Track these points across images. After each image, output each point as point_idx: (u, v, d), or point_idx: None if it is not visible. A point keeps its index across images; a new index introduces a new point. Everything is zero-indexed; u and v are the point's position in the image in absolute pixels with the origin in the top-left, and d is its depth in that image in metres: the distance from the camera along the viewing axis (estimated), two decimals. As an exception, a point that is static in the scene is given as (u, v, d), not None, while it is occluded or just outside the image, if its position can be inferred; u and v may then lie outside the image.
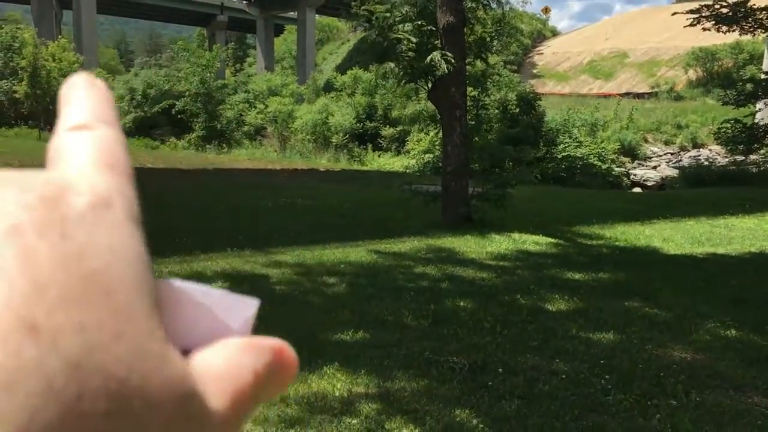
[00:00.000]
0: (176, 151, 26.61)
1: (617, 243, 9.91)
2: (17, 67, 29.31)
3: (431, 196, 10.91)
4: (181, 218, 10.05)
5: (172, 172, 17.81)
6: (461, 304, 5.91)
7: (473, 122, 10.88)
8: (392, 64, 9.95)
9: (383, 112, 36.86)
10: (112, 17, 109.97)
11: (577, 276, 7.22)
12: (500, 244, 9.11)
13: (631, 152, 31.40)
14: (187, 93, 29.99)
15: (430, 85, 10.39)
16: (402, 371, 4.21)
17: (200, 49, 33.66)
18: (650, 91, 41.97)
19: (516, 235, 9.78)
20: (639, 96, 40.86)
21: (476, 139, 25.22)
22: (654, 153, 32.25)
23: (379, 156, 33.64)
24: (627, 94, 41.55)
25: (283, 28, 78.69)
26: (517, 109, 25.49)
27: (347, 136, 33.91)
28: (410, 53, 9.75)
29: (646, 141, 33.17)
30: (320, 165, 24.16)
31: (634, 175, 30.32)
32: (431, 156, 25.76)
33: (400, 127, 35.22)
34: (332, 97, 39.18)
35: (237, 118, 33.44)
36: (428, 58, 9.67)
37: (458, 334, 5.04)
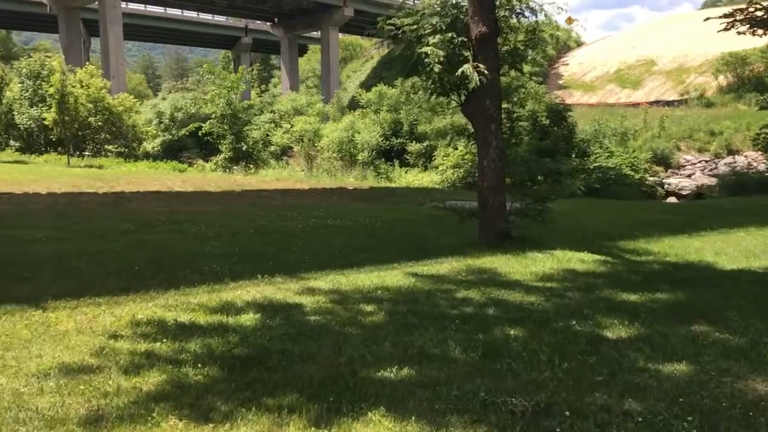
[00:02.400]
0: (204, 174, 26.52)
1: (667, 258, 9.34)
2: (46, 95, 29.55)
3: (468, 213, 10.46)
4: (209, 243, 9.73)
5: (200, 195, 17.58)
6: (512, 332, 5.43)
7: (506, 135, 10.41)
8: (420, 79, 9.54)
9: (409, 127, 36.56)
10: (140, 43, 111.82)
11: (632, 297, 6.69)
12: (544, 263, 8.61)
13: (663, 161, 30.68)
14: (213, 115, 29.97)
15: (463, 98, 9.98)
16: (456, 416, 3.75)
17: (225, 71, 33.68)
18: (680, 98, 41.14)
19: (559, 253, 9.26)
20: (668, 104, 40.08)
21: (508, 152, 24.70)
22: (687, 161, 31.39)
23: (406, 172, 33.31)
24: (656, 102, 40.82)
25: (306, 48, 79.19)
26: (547, 121, 24.96)
27: (373, 153, 33.64)
28: (438, 66, 9.33)
29: (678, 149, 32.36)
30: (348, 183, 23.83)
31: (668, 184, 29.62)
32: (461, 171, 25.33)
33: (426, 143, 34.88)
34: (358, 115, 38.97)
35: (263, 138, 33.35)
36: (459, 71, 9.26)
37: (513, 369, 4.56)
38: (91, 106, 30.13)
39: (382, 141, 34.32)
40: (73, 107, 27.94)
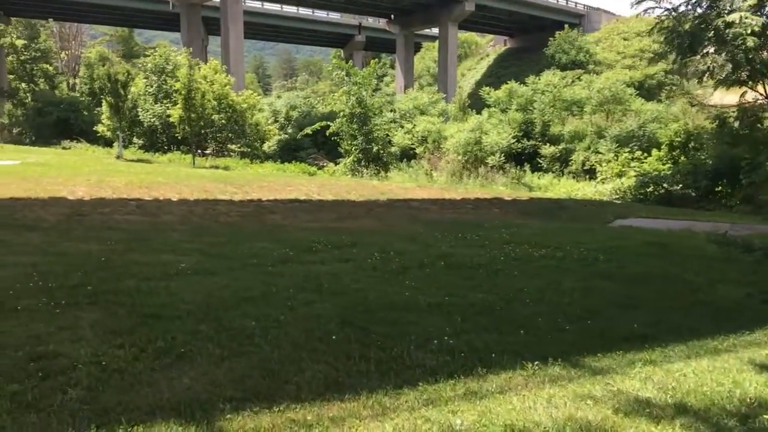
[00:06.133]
0: (336, 178, 24.30)
1: None
2: (171, 90, 28.29)
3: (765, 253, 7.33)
4: (399, 283, 7.12)
5: (344, 204, 15.21)
6: None
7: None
8: (721, 57, 6.54)
9: (542, 128, 33.35)
10: (250, 43, 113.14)
11: None
12: None
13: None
14: (341, 114, 27.75)
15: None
16: None
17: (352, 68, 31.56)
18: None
19: None
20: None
21: (683, 158, 21.04)
22: None
23: (539, 177, 30.17)
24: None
25: (420, 45, 76.76)
26: (737, 122, 21.08)
27: (502, 155, 30.69)
28: (754, 39, 6.34)
29: None
30: (501, 192, 20.92)
31: None
32: (631, 181, 21.96)
33: (561, 145, 31.55)
34: (486, 115, 36.05)
35: (385, 138, 31.02)
36: (788, 47, 6.22)
37: None
38: (215, 103, 28.72)
39: (513, 143, 31.31)
40: (200, 103, 26.45)
